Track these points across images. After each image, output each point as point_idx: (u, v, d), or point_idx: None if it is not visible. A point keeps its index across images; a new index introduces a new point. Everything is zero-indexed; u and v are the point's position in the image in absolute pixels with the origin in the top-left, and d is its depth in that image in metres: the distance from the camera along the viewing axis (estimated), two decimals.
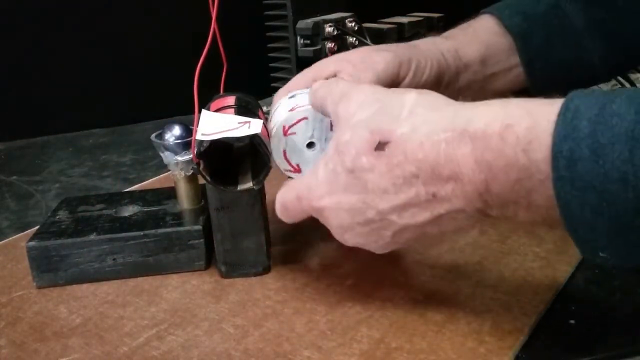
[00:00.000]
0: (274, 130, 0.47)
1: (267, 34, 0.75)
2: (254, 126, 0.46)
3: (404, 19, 0.88)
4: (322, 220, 0.40)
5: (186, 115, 0.51)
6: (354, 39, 0.74)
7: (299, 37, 0.71)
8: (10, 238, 0.61)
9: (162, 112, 0.98)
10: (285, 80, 0.77)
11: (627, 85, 0.72)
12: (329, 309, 0.45)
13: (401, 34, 0.85)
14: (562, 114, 0.29)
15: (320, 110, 0.44)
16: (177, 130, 0.52)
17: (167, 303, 0.47)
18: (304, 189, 0.40)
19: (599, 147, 0.27)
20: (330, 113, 0.41)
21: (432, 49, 0.53)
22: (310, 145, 0.47)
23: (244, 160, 0.51)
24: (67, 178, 0.80)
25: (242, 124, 0.46)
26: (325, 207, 0.38)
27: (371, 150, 0.35)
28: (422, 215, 0.35)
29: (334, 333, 0.42)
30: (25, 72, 0.98)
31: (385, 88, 0.39)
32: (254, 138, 0.46)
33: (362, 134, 0.35)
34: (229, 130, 0.45)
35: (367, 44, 0.74)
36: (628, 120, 0.27)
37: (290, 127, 0.46)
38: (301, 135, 0.46)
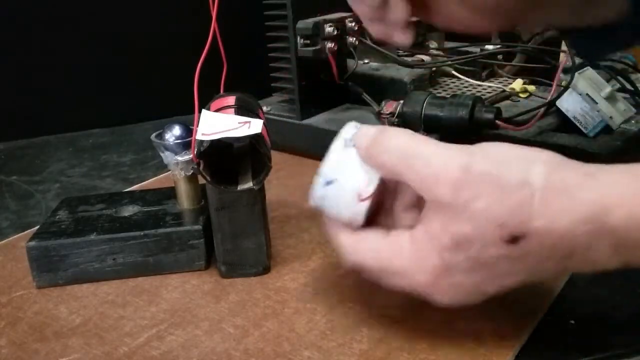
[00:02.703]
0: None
1: (267, 34, 0.75)
2: (254, 126, 0.46)
3: None
4: (423, 293, 0.37)
5: (186, 115, 0.51)
6: (354, 39, 0.74)
7: (299, 37, 0.70)
8: (10, 238, 0.61)
9: (162, 112, 0.98)
10: (285, 80, 0.77)
11: (628, 85, 0.72)
12: (329, 309, 0.45)
13: None
14: None
15: (380, 169, 0.38)
16: (177, 130, 0.52)
17: (167, 303, 0.47)
18: (406, 266, 0.36)
19: None
20: (416, 189, 0.36)
21: None
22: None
23: (244, 160, 0.51)
24: (67, 178, 0.80)
25: (242, 124, 0.46)
26: (439, 288, 0.36)
27: (502, 243, 0.33)
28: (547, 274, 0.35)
29: (334, 333, 0.42)
30: (25, 72, 0.98)
31: (493, 157, 0.34)
32: (254, 138, 0.46)
33: (489, 228, 0.33)
34: (229, 130, 0.45)
35: (367, 44, 0.74)
36: None
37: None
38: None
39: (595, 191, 0.32)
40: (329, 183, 0.38)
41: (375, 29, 0.45)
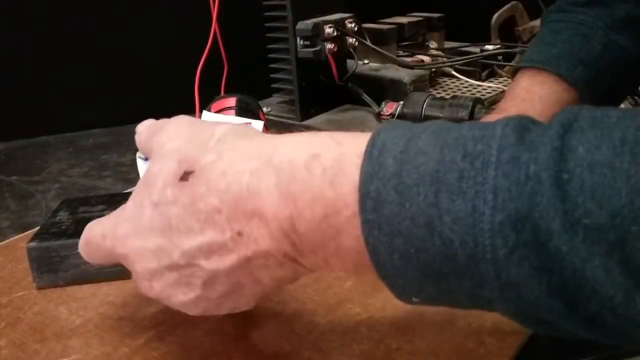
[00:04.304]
0: None
1: (267, 34, 0.75)
2: (254, 127, 0.46)
3: (404, 19, 0.88)
4: (128, 266, 0.35)
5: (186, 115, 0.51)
6: (354, 39, 0.74)
7: (299, 38, 0.71)
8: (11, 239, 0.61)
9: (162, 112, 0.98)
10: (285, 81, 0.77)
11: None
12: (328, 310, 0.45)
13: (401, 35, 0.85)
14: (369, 150, 0.27)
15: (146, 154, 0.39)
16: None
17: None
18: (110, 225, 0.35)
19: (405, 188, 0.25)
20: (147, 148, 0.38)
21: None
22: None
23: None
24: (67, 178, 0.80)
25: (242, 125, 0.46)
26: (131, 249, 0.33)
27: (176, 181, 0.31)
28: (229, 258, 0.31)
29: (333, 334, 0.42)
30: (25, 72, 0.98)
31: (203, 120, 0.37)
32: None
33: (170, 164, 0.32)
34: None
35: (367, 45, 0.74)
36: (433, 160, 0.25)
37: None
38: None
39: (269, 137, 0.31)
40: None
41: None
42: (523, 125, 0.26)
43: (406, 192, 0.25)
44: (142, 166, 0.41)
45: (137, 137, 0.39)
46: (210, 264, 0.31)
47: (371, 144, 0.27)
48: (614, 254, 0.22)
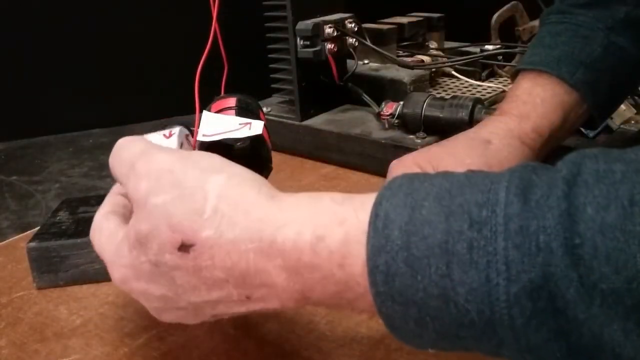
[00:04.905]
0: None
1: (267, 34, 0.75)
2: (255, 127, 0.46)
3: (404, 19, 0.88)
4: (132, 296, 0.36)
5: (185, 115, 0.51)
6: (354, 39, 0.74)
7: (298, 38, 0.71)
8: (11, 239, 0.61)
9: (162, 112, 0.98)
10: (285, 81, 0.77)
11: None
12: (328, 310, 0.45)
13: (401, 35, 0.85)
14: (373, 222, 0.27)
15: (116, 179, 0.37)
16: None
17: None
18: (109, 261, 0.35)
19: (415, 260, 0.26)
20: (123, 185, 0.35)
21: (510, 148, 0.51)
22: None
23: (245, 161, 0.51)
24: (67, 178, 0.80)
25: (243, 125, 0.46)
26: (133, 290, 0.34)
27: (174, 250, 0.30)
28: (237, 309, 0.32)
29: (333, 334, 0.42)
30: (25, 72, 0.98)
31: (184, 158, 0.33)
32: (255, 139, 0.46)
33: (162, 230, 0.30)
34: (229, 131, 0.45)
35: (367, 45, 0.74)
36: (440, 230, 0.25)
37: None
38: None
39: (269, 210, 0.30)
40: None
41: None
42: (525, 182, 0.25)
43: (416, 265, 0.26)
44: None
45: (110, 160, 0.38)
46: (217, 311, 0.32)
47: (374, 216, 0.27)
48: (632, 317, 0.22)
